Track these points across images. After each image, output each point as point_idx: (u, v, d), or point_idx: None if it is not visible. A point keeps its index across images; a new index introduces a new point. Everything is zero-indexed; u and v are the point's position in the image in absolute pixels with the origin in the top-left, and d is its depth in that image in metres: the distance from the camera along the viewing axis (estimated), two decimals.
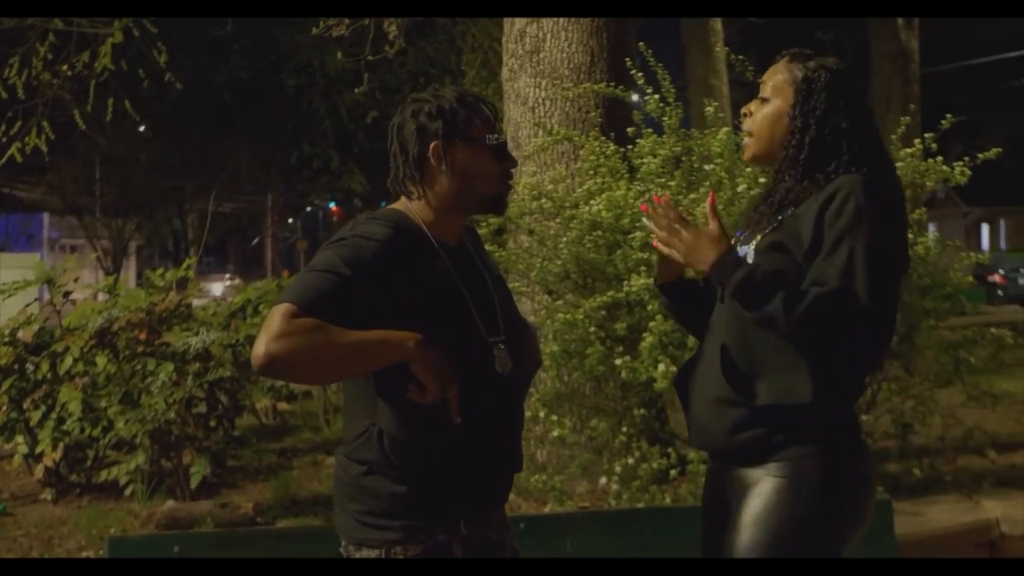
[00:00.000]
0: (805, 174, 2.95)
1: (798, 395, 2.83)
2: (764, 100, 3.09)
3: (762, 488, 2.89)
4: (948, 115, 6.56)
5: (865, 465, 3.00)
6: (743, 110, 3.15)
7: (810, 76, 3.02)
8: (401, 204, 2.93)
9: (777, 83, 3.07)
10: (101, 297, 8.94)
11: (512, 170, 2.97)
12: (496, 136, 2.90)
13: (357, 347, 2.59)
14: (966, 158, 6.48)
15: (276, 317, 2.53)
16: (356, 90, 15.33)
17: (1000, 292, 32.98)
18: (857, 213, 2.79)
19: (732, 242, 2.99)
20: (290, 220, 64.89)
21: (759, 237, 2.95)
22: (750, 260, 2.90)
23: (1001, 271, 33.78)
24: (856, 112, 3.02)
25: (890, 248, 2.83)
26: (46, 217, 44.88)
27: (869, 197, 2.82)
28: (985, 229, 49.94)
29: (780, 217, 2.94)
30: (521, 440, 3.07)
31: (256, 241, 58.99)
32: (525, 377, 3.06)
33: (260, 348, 2.51)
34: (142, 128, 29.35)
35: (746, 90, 19.55)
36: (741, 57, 7.06)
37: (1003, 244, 48.61)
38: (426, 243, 2.84)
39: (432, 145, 2.85)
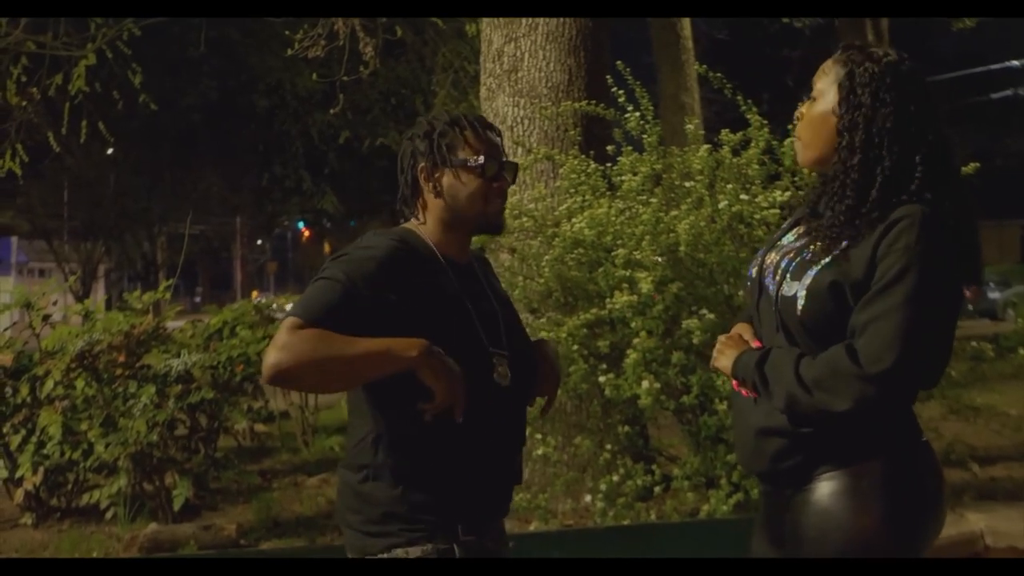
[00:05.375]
0: (860, 191, 2.75)
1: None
2: (813, 101, 2.93)
3: (821, 502, 2.76)
4: None
5: (930, 464, 2.84)
6: (796, 113, 2.98)
7: (854, 71, 2.82)
8: (411, 223, 3.04)
9: (824, 83, 2.90)
10: (72, 320, 8.90)
11: (504, 189, 3.01)
12: (477, 158, 2.94)
13: (361, 357, 2.65)
14: None
15: (282, 330, 2.63)
16: (331, 111, 15.32)
17: (969, 306, 33.25)
18: (906, 256, 2.62)
19: (765, 261, 2.95)
20: (259, 241, 64.83)
21: (812, 274, 2.76)
22: (800, 302, 2.75)
23: None
24: (909, 112, 2.78)
25: (939, 291, 2.65)
26: (14, 241, 44.70)
27: (924, 236, 2.63)
28: None
29: (833, 250, 2.75)
30: (521, 455, 3.09)
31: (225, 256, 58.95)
32: (539, 393, 3.11)
33: (267, 360, 2.61)
34: (110, 151, 29.27)
35: (715, 107, 19.56)
36: (719, 74, 7.09)
37: None
38: (431, 256, 2.92)
39: (420, 167, 2.99)
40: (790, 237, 2.99)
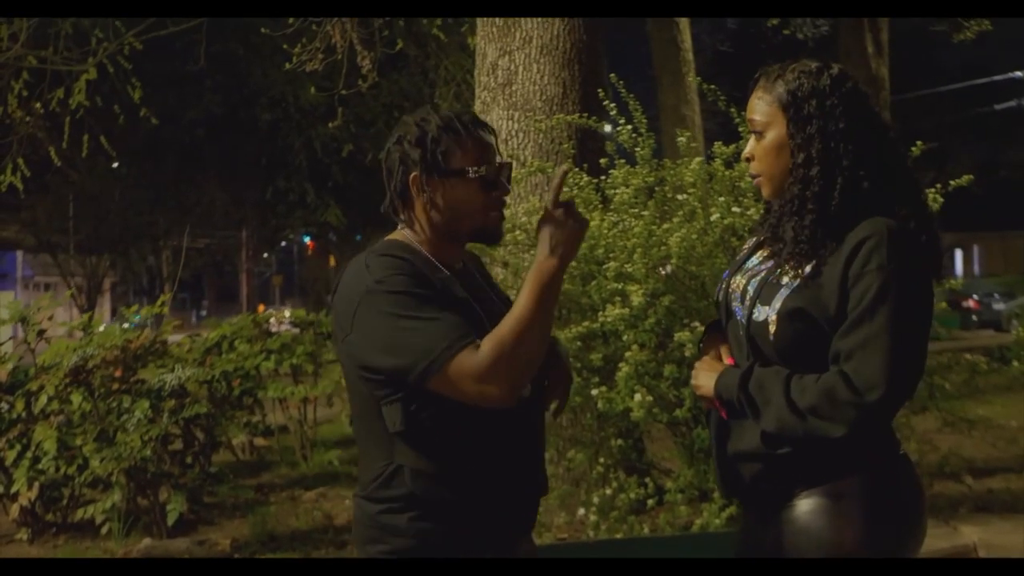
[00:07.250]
0: (822, 204, 2.71)
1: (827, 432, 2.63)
2: (759, 135, 2.86)
3: (800, 520, 2.74)
4: (918, 142, 6.56)
5: (909, 477, 2.82)
6: (744, 156, 2.93)
7: (792, 88, 2.78)
8: (399, 233, 2.87)
9: (764, 111, 2.84)
10: (76, 335, 8.91)
11: (503, 197, 2.85)
12: (478, 168, 2.76)
13: (531, 310, 2.57)
14: (938, 185, 6.48)
15: (462, 371, 2.53)
16: (330, 124, 15.33)
17: (974, 317, 33.18)
18: (882, 277, 2.59)
19: (735, 281, 2.91)
20: (265, 255, 64.86)
21: (781, 297, 2.73)
22: (772, 327, 2.72)
23: (975, 296, 33.98)
24: (857, 112, 2.77)
25: (918, 308, 2.66)
26: (19, 255, 44.79)
27: (894, 253, 2.61)
28: (958, 255, 50.26)
29: (801, 272, 2.72)
30: (544, 463, 2.97)
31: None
32: (552, 396, 2.93)
33: (497, 391, 2.53)
34: (115, 165, 29.32)
35: (717, 119, 19.62)
36: (713, 86, 7.07)
37: (976, 270, 48.92)
38: (432, 266, 2.76)
39: (412, 176, 2.77)
40: (755, 260, 2.95)
